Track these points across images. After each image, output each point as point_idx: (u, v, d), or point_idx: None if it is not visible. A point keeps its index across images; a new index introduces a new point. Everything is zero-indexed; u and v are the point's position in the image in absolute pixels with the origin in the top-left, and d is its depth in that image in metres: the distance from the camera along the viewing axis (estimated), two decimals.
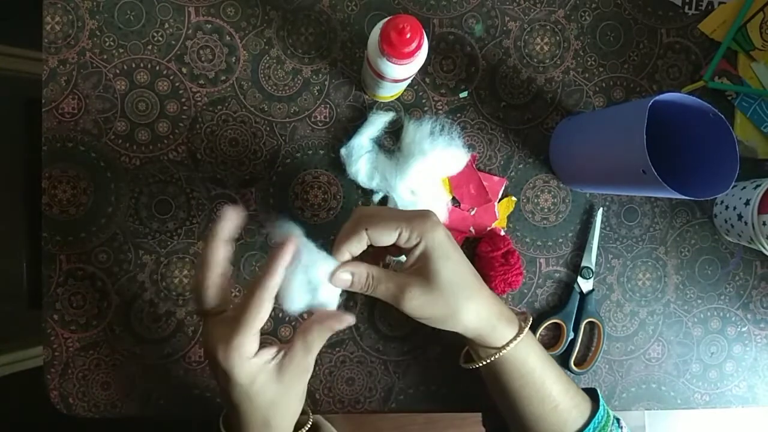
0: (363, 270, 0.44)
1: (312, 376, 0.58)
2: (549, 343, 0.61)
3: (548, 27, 0.59)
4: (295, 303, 0.42)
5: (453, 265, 0.44)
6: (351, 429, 1.24)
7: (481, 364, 0.49)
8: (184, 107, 0.57)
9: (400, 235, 0.43)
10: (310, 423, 0.51)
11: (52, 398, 0.57)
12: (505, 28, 0.59)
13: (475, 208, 0.59)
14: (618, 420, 0.51)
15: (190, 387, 0.58)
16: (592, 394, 0.52)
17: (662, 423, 1.38)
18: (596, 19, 0.60)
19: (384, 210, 0.48)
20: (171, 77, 0.56)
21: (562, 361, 0.61)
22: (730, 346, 0.63)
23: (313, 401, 0.59)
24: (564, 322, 0.60)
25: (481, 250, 0.58)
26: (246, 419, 0.43)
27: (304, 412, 0.49)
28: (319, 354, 0.58)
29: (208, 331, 0.42)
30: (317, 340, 0.43)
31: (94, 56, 0.56)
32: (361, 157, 0.56)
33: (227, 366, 0.40)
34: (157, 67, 0.56)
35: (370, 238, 0.44)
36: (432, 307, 0.44)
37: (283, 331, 0.58)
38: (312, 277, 0.42)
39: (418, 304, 0.44)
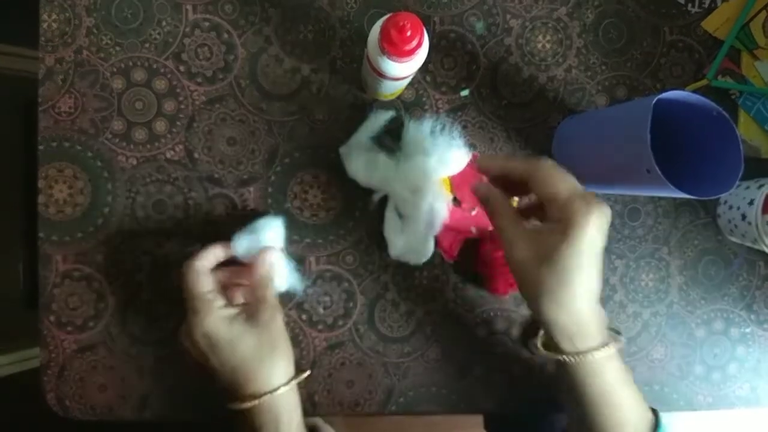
0: (497, 195, 0.46)
1: (311, 378, 0.58)
2: (551, 343, 0.60)
3: (550, 25, 0.59)
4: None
5: (574, 265, 0.42)
6: (350, 431, 1.23)
7: (553, 357, 0.47)
8: (182, 106, 0.56)
9: (555, 199, 0.43)
10: (307, 373, 0.55)
11: (48, 400, 0.56)
12: (506, 26, 0.58)
13: (477, 208, 0.58)
14: None
15: (187, 389, 0.57)
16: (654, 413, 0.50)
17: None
18: (599, 16, 0.59)
19: (563, 172, 0.46)
20: (168, 75, 0.56)
21: None
22: (734, 348, 0.62)
23: (313, 403, 0.59)
24: None
25: (483, 250, 0.57)
26: (239, 373, 0.47)
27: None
28: (318, 355, 0.58)
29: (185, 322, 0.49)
30: (270, 295, 0.49)
31: (90, 54, 0.55)
32: (360, 156, 0.56)
33: (197, 324, 0.47)
34: (155, 66, 0.56)
35: (533, 179, 0.44)
36: (528, 274, 0.43)
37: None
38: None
39: (519, 260, 0.44)
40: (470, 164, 0.58)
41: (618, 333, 0.48)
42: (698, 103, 0.46)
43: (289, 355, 0.50)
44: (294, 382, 0.49)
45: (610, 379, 0.46)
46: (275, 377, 0.48)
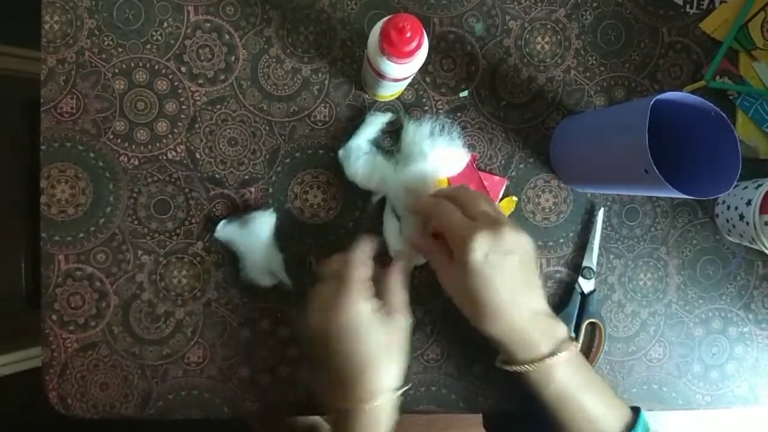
0: (425, 242, 0.52)
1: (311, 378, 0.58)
2: None
3: (549, 26, 0.59)
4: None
5: (478, 286, 0.46)
6: None
7: (511, 369, 0.49)
8: (183, 107, 0.56)
9: (445, 231, 0.48)
10: (408, 386, 0.55)
11: (50, 399, 0.57)
12: (505, 27, 0.59)
13: None
14: None
15: (189, 387, 0.57)
16: (635, 411, 0.51)
17: (663, 424, 1.38)
18: (597, 18, 0.60)
19: (474, 196, 0.51)
20: (170, 76, 0.56)
21: None
22: (732, 347, 0.63)
23: (313, 403, 0.59)
24: (565, 323, 0.59)
25: None
26: (360, 365, 0.47)
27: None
28: None
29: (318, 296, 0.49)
30: (404, 298, 0.50)
31: (92, 55, 0.55)
32: (359, 159, 0.56)
33: (340, 309, 0.46)
34: (156, 67, 0.56)
35: (430, 212, 0.51)
36: (458, 301, 0.49)
37: (283, 331, 0.58)
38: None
39: (446, 287, 0.49)
40: (469, 165, 0.58)
41: (574, 340, 0.50)
42: (696, 104, 0.46)
43: (402, 362, 0.49)
44: (400, 391, 0.49)
45: (564, 385, 0.48)
46: (392, 379, 0.48)
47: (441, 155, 0.56)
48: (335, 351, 0.47)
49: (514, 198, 0.59)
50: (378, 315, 0.48)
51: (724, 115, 0.46)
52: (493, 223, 0.46)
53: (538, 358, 0.47)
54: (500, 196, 0.59)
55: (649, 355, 0.61)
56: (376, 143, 0.57)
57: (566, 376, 0.48)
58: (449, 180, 0.58)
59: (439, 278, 0.50)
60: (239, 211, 0.57)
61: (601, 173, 0.53)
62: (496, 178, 0.59)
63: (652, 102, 0.44)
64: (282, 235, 0.57)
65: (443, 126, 0.57)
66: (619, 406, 0.50)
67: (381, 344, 0.47)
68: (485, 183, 0.58)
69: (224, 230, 0.55)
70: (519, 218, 0.60)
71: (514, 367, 0.49)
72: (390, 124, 0.57)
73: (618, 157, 0.48)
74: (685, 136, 0.50)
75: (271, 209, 0.56)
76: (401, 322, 0.49)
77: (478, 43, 0.59)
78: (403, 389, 0.49)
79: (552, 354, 0.47)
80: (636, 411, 0.51)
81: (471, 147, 0.59)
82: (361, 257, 0.49)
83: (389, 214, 0.56)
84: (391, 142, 0.58)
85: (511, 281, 0.46)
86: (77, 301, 0.56)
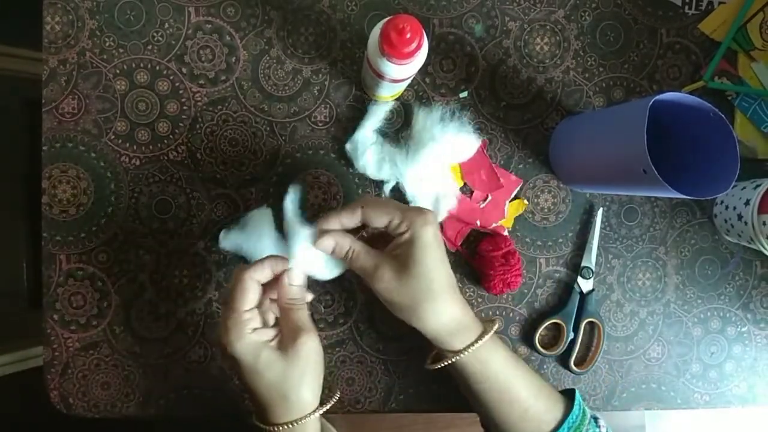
0: (347, 241, 0.47)
1: None
2: (549, 343, 0.61)
3: (548, 27, 0.59)
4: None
5: (430, 261, 0.45)
6: (351, 429, 1.24)
7: (441, 365, 0.49)
8: (184, 107, 0.57)
9: (391, 221, 0.46)
10: (336, 397, 0.51)
11: (52, 398, 0.57)
12: (505, 28, 0.59)
13: (485, 202, 0.59)
14: (596, 419, 0.52)
15: (190, 387, 0.58)
16: (570, 394, 0.52)
17: (662, 423, 1.38)
18: (596, 19, 0.60)
19: (385, 199, 0.51)
20: (171, 77, 0.56)
21: (562, 361, 0.61)
22: (730, 346, 0.63)
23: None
24: (564, 322, 0.60)
25: (483, 248, 0.58)
26: (265, 399, 0.45)
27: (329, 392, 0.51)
28: None
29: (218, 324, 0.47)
30: (301, 319, 0.46)
31: (94, 56, 0.56)
32: (367, 150, 0.56)
33: (228, 343, 0.44)
34: (157, 67, 0.56)
35: (364, 216, 0.47)
36: (398, 294, 0.46)
37: None
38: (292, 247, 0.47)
39: (385, 287, 0.46)
40: (480, 151, 0.58)
41: (491, 321, 0.51)
42: (695, 105, 0.46)
43: (317, 381, 0.47)
44: (317, 414, 0.47)
45: (500, 364, 0.48)
46: (298, 409, 0.46)
47: (452, 141, 0.56)
48: (240, 380, 0.46)
49: (525, 201, 0.60)
50: (267, 349, 0.44)
51: (723, 115, 0.46)
52: (427, 209, 0.47)
53: (477, 339, 0.47)
54: (512, 196, 0.59)
55: (647, 354, 0.62)
56: (382, 132, 0.58)
57: (500, 353, 0.49)
58: (461, 166, 0.58)
59: (369, 280, 0.47)
60: (240, 211, 0.57)
61: (600, 173, 0.53)
62: (513, 177, 0.59)
63: (650, 102, 0.44)
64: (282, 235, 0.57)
65: (453, 112, 0.57)
66: (545, 384, 0.51)
67: (274, 379, 0.44)
68: (501, 180, 0.59)
69: (227, 240, 0.54)
70: (518, 218, 0.60)
71: (458, 356, 0.47)
72: (395, 112, 0.58)
73: (616, 157, 0.49)
74: (685, 136, 0.50)
75: (265, 205, 0.55)
76: (296, 348, 0.45)
77: (477, 44, 0.59)
78: (323, 409, 0.47)
79: (485, 332, 0.48)
80: (570, 394, 0.52)
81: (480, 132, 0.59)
82: (248, 283, 0.45)
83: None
84: (396, 131, 0.58)
85: (447, 263, 0.47)
86: (79, 301, 0.56)
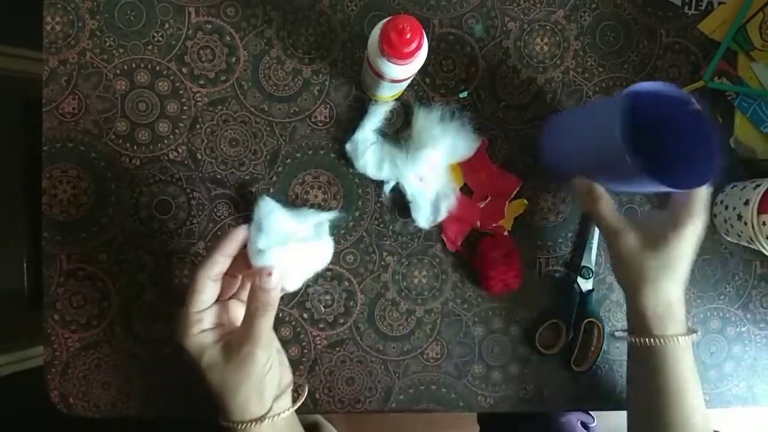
0: (599, 190, 0.51)
1: (312, 376, 0.59)
2: (549, 342, 0.61)
3: (548, 27, 0.59)
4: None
5: (688, 248, 0.49)
6: (351, 429, 1.24)
7: (648, 341, 0.51)
8: (185, 107, 0.57)
9: (688, 200, 0.49)
10: (301, 400, 0.51)
11: (52, 398, 0.57)
12: (504, 29, 0.59)
13: (485, 202, 0.59)
14: None
15: (190, 387, 0.58)
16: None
17: None
18: (596, 19, 0.60)
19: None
20: (171, 77, 0.56)
21: (562, 361, 0.61)
22: (730, 346, 0.63)
23: (313, 401, 0.59)
24: (564, 322, 0.60)
25: (483, 248, 0.58)
26: (213, 395, 0.45)
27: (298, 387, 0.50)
28: (318, 353, 0.59)
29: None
30: (256, 328, 0.43)
31: (94, 56, 0.56)
32: (367, 150, 0.56)
33: (178, 339, 0.45)
34: (158, 68, 0.56)
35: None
36: (643, 259, 0.49)
37: (283, 331, 0.58)
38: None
39: (631, 249, 0.49)
40: (480, 150, 0.58)
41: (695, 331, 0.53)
42: (670, 93, 0.46)
43: (260, 394, 0.45)
44: (254, 425, 0.45)
45: (687, 367, 0.50)
46: (239, 414, 0.44)
47: (452, 141, 0.56)
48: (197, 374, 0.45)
49: (525, 201, 0.60)
50: (212, 351, 0.44)
51: (699, 106, 0.47)
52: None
53: (679, 334, 0.50)
54: (512, 196, 0.59)
55: None
56: (382, 132, 0.58)
57: (690, 359, 0.51)
58: (461, 165, 0.58)
59: (609, 234, 0.51)
60: (240, 211, 0.57)
61: (584, 168, 0.52)
62: (512, 177, 0.59)
63: (626, 94, 0.44)
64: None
65: (453, 112, 0.57)
66: (704, 407, 0.53)
67: (214, 381, 0.44)
68: (501, 180, 0.59)
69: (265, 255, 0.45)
70: (518, 218, 0.60)
71: (653, 340, 0.50)
72: (395, 112, 0.58)
73: (597, 150, 0.49)
74: (671, 132, 0.50)
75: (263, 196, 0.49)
76: (241, 357, 0.43)
77: (477, 44, 0.59)
78: (287, 410, 0.47)
79: (689, 332, 0.50)
80: None
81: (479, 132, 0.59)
82: (202, 283, 0.43)
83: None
84: (396, 130, 0.58)
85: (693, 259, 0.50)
86: (79, 301, 0.57)
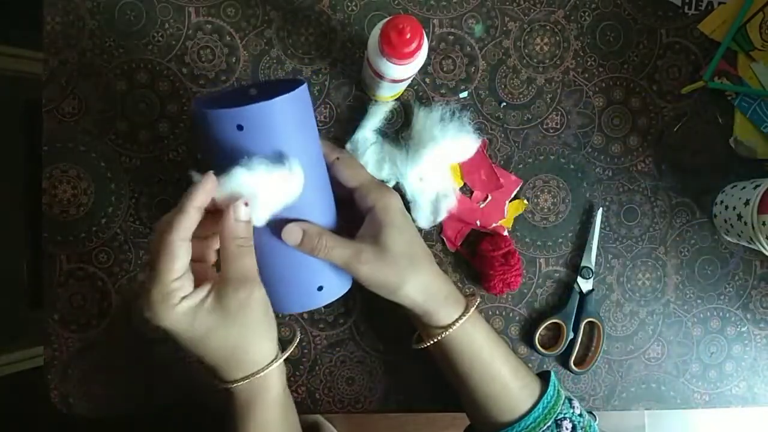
0: (315, 229, 0.44)
1: (312, 376, 0.59)
2: (549, 343, 0.61)
3: (548, 27, 0.59)
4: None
5: (405, 236, 0.47)
6: (351, 428, 1.24)
7: (429, 343, 0.50)
8: (185, 107, 0.57)
9: (361, 186, 0.47)
10: (297, 339, 0.52)
11: (52, 398, 0.57)
12: (504, 29, 0.59)
13: (485, 202, 0.59)
14: (570, 400, 0.52)
15: (190, 386, 0.58)
16: (545, 375, 0.53)
17: (662, 423, 1.38)
18: (596, 19, 0.60)
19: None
20: (171, 77, 0.56)
21: (562, 361, 0.61)
22: (730, 346, 0.63)
23: (313, 401, 0.59)
24: (564, 322, 0.60)
25: (483, 248, 0.58)
26: (215, 361, 0.43)
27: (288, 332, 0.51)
28: (318, 353, 0.59)
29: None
30: (247, 268, 0.41)
31: (94, 56, 0.56)
32: (367, 150, 0.56)
33: (157, 319, 0.39)
34: (158, 68, 0.56)
35: (337, 168, 0.48)
36: (383, 274, 0.46)
37: (283, 331, 0.58)
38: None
39: (369, 269, 0.45)
40: (480, 151, 0.58)
41: (472, 295, 0.52)
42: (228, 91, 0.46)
43: (272, 331, 0.44)
44: (280, 360, 0.45)
45: (483, 338, 0.50)
46: (255, 362, 0.43)
47: (452, 141, 0.56)
48: (182, 347, 0.42)
49: (526, 201, 0.60)
50: (203, 311, 0.40)
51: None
52: (387, 186, 0.49)
53: (464, 313, 0.49)
54: (512, 196, 0.59)
55: (647, 354, 0.62)
56: (382, 132, 0.58)
57: (483, 327, 0.50)
58: (460, 166, 0.59)
59: (348, 268, 0.45)
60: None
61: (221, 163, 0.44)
62: (513, 177, 0.59)
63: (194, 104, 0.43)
64: None
65: (453, 112, 0.57)
66: (521, 363, 0.52)
67: (219, 342, 0.41)
68: (501, 180, 0.59)
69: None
70: (518, 218, 0.60)
71: (443, 334, 0.48)
72: (394, 112, 0.58)
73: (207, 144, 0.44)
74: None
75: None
76: (237, 304, 0.40)
77: (477, 44, 0.59)
78: (282, 357, 0.46)
79: (469, 306, 0.49)
80: (546, 376, 0.53)
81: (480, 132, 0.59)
82: (174, 247, 0.38)
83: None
84: (396, 131, 0.58)
85: (420, 238, 0.49)
86: (79, 301, 0.57)
